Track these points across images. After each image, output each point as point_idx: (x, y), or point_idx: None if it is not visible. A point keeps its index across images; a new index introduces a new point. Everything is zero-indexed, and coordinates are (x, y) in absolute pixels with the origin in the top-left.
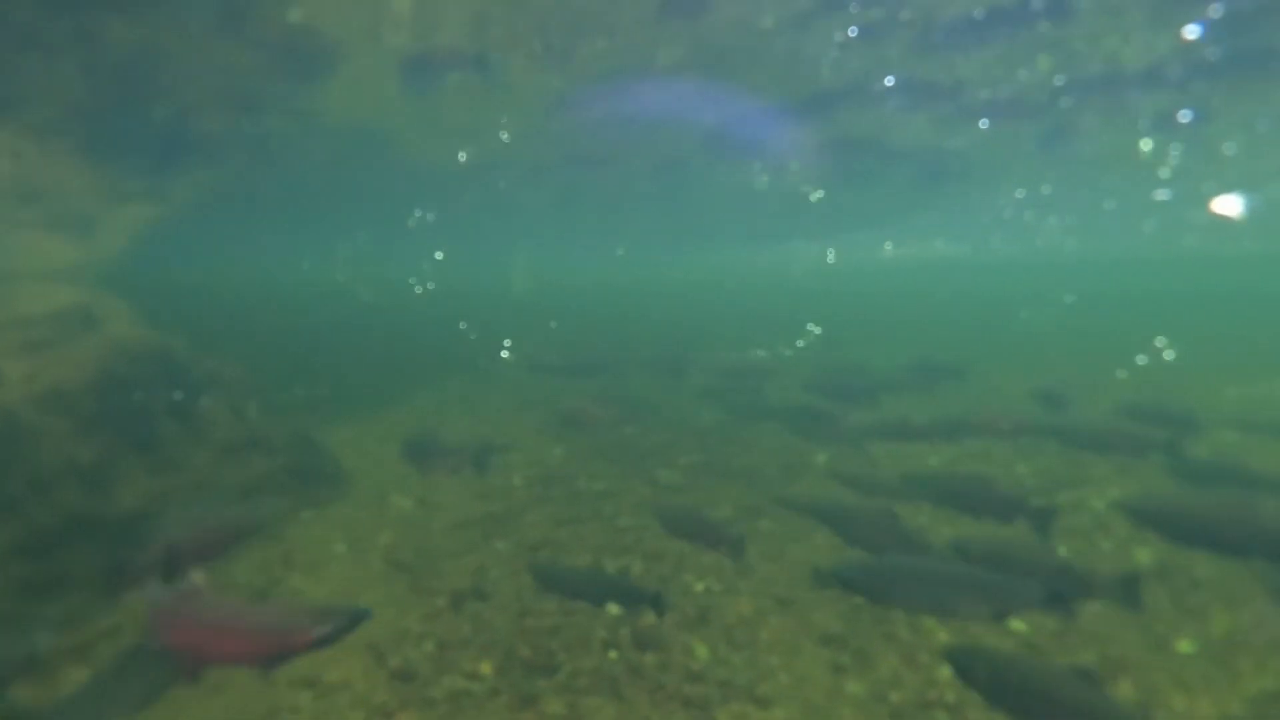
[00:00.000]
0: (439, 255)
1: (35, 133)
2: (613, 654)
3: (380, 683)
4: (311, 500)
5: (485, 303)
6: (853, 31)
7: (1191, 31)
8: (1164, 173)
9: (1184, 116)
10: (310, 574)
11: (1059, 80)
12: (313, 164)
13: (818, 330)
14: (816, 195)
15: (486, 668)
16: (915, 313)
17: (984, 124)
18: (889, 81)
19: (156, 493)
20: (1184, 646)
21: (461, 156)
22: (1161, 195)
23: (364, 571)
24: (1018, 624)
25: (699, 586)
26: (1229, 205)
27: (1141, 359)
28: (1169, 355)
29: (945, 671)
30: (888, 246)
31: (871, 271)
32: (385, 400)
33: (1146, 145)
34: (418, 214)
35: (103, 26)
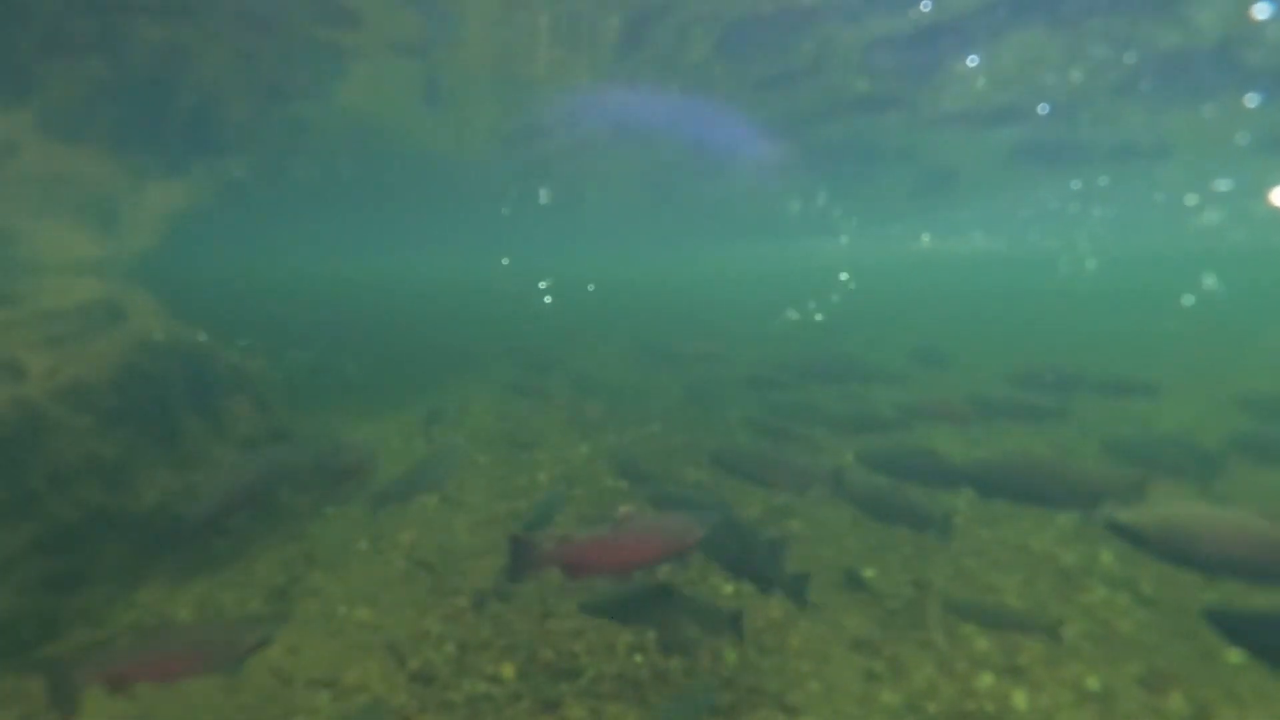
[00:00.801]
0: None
1: (61, 120)
2: (638, 658)
3: (399, 685)
4: (334, 497)
5: (511, 302)
6: (926, 6)
7: (1262, 11)
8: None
9: (1251, 101)
10: (331, 571)
11: (1130, 59)
12: (345, 157)
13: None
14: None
15: (508, 671)
16: (933, 306)
17: (1043, 109)
18: (972, 61)
19: (178, 489)
20: (1234, 657)
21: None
22: (1222, 185)
23: (386, 570)
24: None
25: (728, 589)
26: None
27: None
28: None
29: (985, 680)
30: (925, 239)
31: (903, 266)
32: (409, 397)
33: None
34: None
35: (129, 28)
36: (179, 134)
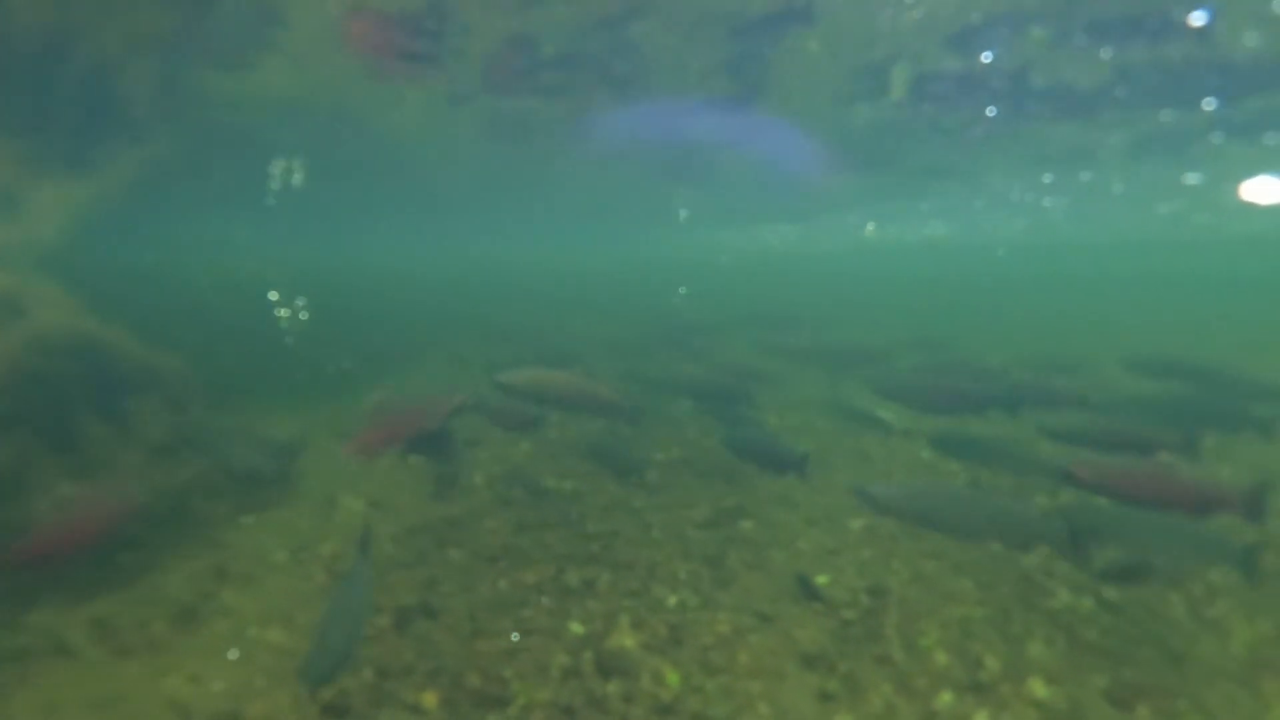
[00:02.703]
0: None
1: None
2: (572, 683)
3: (310, 718)
4: (253, 504)
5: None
6: None
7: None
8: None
9: (1208, 104)
10: (244, 587)
11: (1106, 54)
12: (266, 140)
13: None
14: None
15: (430, 699)
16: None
17: (991, 111)
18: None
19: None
20: (1204, 665)
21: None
22: (1192, 179)
23: (304, 585)
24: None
25: (672, 600)
26: (1266, 189)
27: None
28: None
29: (945, 699)
30: (869, 228)
31: (840, 254)
32: (342, 391)
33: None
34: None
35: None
36: (75, 113)
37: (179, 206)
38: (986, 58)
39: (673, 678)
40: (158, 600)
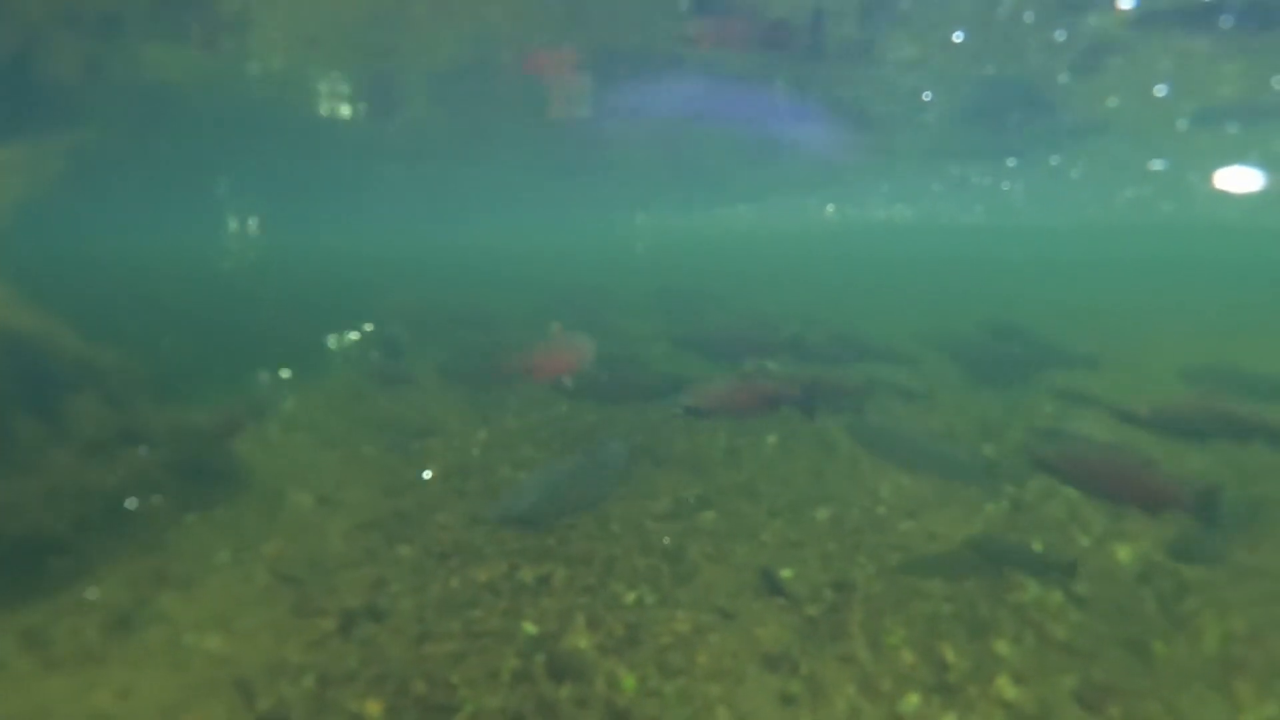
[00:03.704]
0: None
1: None
2: (522, 688)
3: None
4: (197, 501)
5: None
6: None
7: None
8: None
9: (1160, 91)
10: (184, 590)
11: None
12: (220, 122)
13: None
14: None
15: (373, 708)
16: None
17: (927, 96)
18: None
19: (5, 502)
20: (1174, 666)
21: None
22: (1156, 165)
23: (245, 587)
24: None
25: (629, 597)
26: (1240, 179)
27: None
28: None
29: (911, 701)
30: (829, 210)
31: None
32: (297, 382)
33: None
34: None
35: None
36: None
37: (121, 191)
38: (958, 37)
39: (628, 681)
40: (91, 607)
